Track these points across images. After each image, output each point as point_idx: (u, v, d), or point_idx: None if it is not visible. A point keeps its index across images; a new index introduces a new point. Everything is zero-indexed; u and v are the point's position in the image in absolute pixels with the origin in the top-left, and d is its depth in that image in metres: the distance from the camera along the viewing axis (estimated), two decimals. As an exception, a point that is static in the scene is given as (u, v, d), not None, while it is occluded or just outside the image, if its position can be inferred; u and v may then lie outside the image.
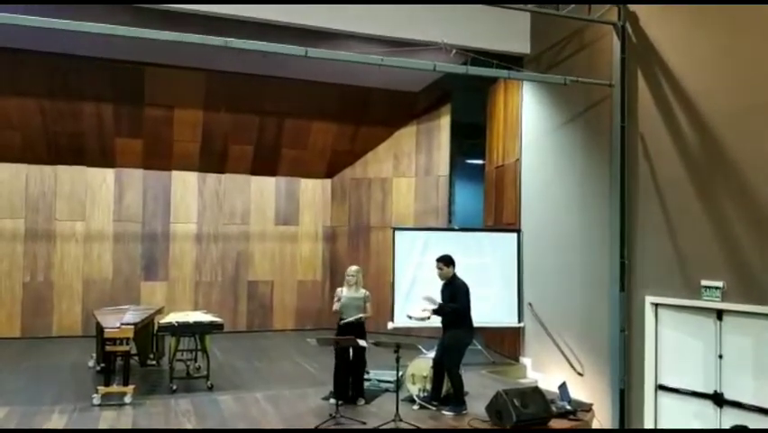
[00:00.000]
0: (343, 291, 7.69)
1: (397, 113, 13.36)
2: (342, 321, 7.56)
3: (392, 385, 7.87)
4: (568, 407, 7.30)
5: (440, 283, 7.54)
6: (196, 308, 12.19)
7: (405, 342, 7.06)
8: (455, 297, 7.30)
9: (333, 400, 7.28)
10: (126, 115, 12.00)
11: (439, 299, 7.43)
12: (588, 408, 7.68)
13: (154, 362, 9.56)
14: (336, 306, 7.63)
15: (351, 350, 7.46)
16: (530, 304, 10.23)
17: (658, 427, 7.89)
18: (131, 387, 7.46)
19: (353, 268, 7.83)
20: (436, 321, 7.51)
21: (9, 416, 6.87)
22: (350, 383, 7.62)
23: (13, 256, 12.07)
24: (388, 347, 6.98)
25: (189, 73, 11.57)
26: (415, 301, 9.54)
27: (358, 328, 7.52)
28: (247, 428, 6.74)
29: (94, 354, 9.42)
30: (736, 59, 7.03)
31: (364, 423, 6.77)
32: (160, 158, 12.70)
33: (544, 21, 9.72)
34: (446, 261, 7.45)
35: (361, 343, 7.11)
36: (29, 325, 12.07)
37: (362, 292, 7.72)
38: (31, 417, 6.88)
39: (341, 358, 7.45)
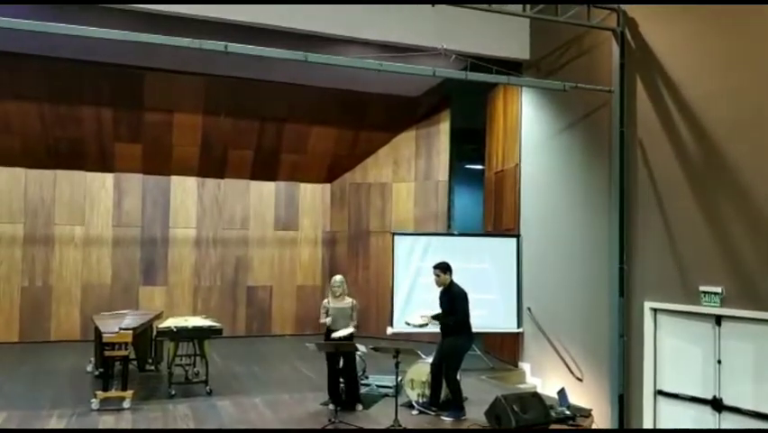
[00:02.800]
0: (330, 303, 7.64)
1: (397, 118, 13.38)
2: (333, 334, 7.45)
3: (391, 390, 7.85)
4: (567, 412, 7.30)
5: (439, 289, 7.53)
6: (195, 313, 12.16)
7: (404, 347, 7.05)
8: (454, 304, 7.29)
9: (331, 406, 7.27)
10: (126, 119, 12.01)
11: (438, 308, 7.43)
12: (587, 413, 7.68)
13: (153, 367, 9.54)
14: (325, 320, 7.58)
15: (341, 356, 7.44)
16: (529, 309, 10.23)
17: None
18: (129, 392, 7.44)
19: (338, 278, 7.79)
20: (435, 327, 7.51)
21: (8, 420, 6.86)
22: (343, 389, 7.59)
23: (11, 261, 12.06)
24: (387, 353, 6.97)
25: (189, 78, 11.58)
26: (414, 307, 9.56)
27: (347, 337, 7.50)
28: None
29: (92, 359, 9.40)
30: (735, 65, 7.05)
31: (363, 428, 6.76)
32: (159, 163, 12.71)
33: (543, 26, 9.74)
34: (443, 268, 7.43)
35: (361, 348, 7.10)
36: (27, 329, 12.05)
37: (349, 301, 7.69)
38: (29, 421, 6.88)
39: (332, 364, 7.43)
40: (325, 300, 7.75)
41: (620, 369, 8.22)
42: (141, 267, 12.78)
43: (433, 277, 7.51)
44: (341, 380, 7.57)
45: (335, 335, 7.41)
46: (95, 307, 11.85)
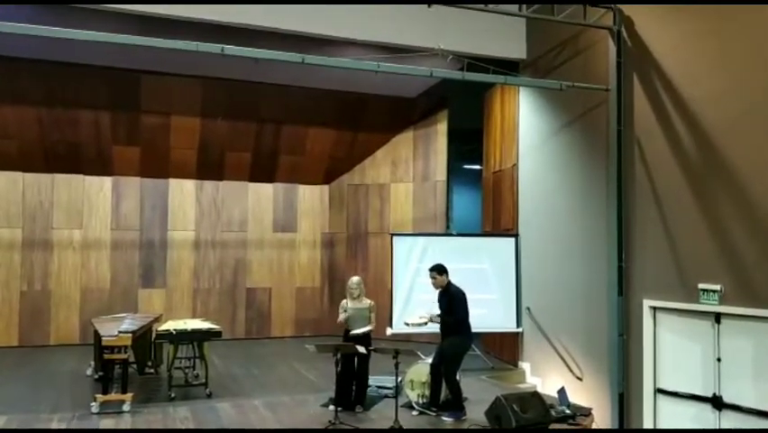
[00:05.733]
0: (348, 303, 7.71)
1: (395, 119, 13.38)
2: (350, 333, 7.57)
3: (391, 391, 7.85)
4: (567, 411, 7.30)
5: (437, 290, 7.53)
6: (194, 316, 12.18)
7: (403, 348, 7.05)
8: (453, 305, 7.29)
9: (332, 407, 7.26)
10: (123, 122, 12.00)
11: (437, 309, 7.43)
12: (587, 412, 7.68)
13: (152, 370, 9.53)
14: (342, 318, 7.64)
15: (356, 358, 7.46)
16: (528, 309, 10.23)
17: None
18: (129, 395, 7.43)
19: (355, 280, 7.85)
20: (434, 327, 7.51)
21: (8, 424, 6.86)
22: (352, 391, 7.60)
23: (10, 265, 12.04)
24: (386, 353, 6.97)
25: (186, 80, 11.58)
26: (413, 307, 9.56)
27: (364, 338, 7.53)
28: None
29: (92, 363, 9.39)
30: (731, 63, 7.06)
31: (364, 429, 6.76)
32: (157, 165, 12.70)
33: (539, 26, 9.76)
34: (439, 270, 7.43)
35: (360, 349, 7.10)
36: (26, 333, 12.04)
37: (367, 302, 7.75)
38: (30, 425, 6.89)
39: (345, 366, 7.43)
40: (344, 301, 7.82)
41: (620, 368, 8.23)
42: (140, 270, 12.76)
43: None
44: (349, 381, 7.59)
45: (354, 332, 7.48)
46: (94, 310, 11.84)
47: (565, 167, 9.63)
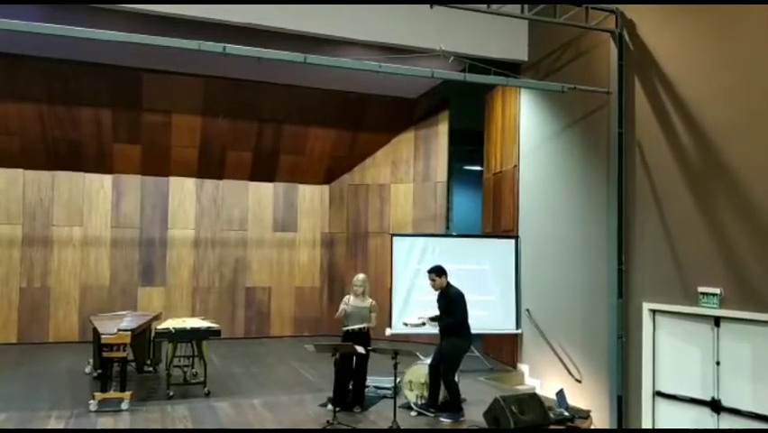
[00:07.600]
0: (350, 301, 7.70)
1: (396, 119, 13.39)
2: (346, 328, 7.57)
3: (390, 392, 7.84)
4: (566, 414, 7.29)
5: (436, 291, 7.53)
6: (193, 315, 12.17)
7: (402, 348, 7.05)
8: (452, 306, 7.28)
9: (330, 407, 7.26)
10: (124, 120, 12.00)
11: (436, 310, 7.42)
12: (585, 414, 7.66)
13: (151, 368, 9.52)
14: (340, 313, 7.64)
15: (354, 357, 7.45)
16: (528, 310, 10.23)
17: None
18: (128, 393, 7.43)
19: (361, 277, 7.84)
20: (434, 328, 7.50)
21: (6, 421, 6.86)
22: (351, 391, 7.60)
23: (10, 262, 12.04)
24: (385, 354, 6.96)
25: (187, 79, 11.58)
26: (412, 308, 9.57)
27: (363, 337, 7.52)
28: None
29: (91, 360, 9.39)
30: (732, 66, 7.05)
31: (362, 429, 6.75)
32: (157, 164, 12.70)
33: (541, 28, 9.77)
34: (437, 271, 7.42)
35: (359, 349, 7.09)
36: (25, 331, 12.04)
37: (369, 302, 7.73)
38: (28, 422, 6.88)
39: (343, 365, 7.42)
40: (346, 297, 7.81)
41: (619, 370, 8.23)
42: (140, 268, 12.77)
43: (430, 280, 7.52)
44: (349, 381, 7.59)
45: (350, 328, 7.49)
46: (93, 308, 11.83)
47: (566, 169, 9.64)
